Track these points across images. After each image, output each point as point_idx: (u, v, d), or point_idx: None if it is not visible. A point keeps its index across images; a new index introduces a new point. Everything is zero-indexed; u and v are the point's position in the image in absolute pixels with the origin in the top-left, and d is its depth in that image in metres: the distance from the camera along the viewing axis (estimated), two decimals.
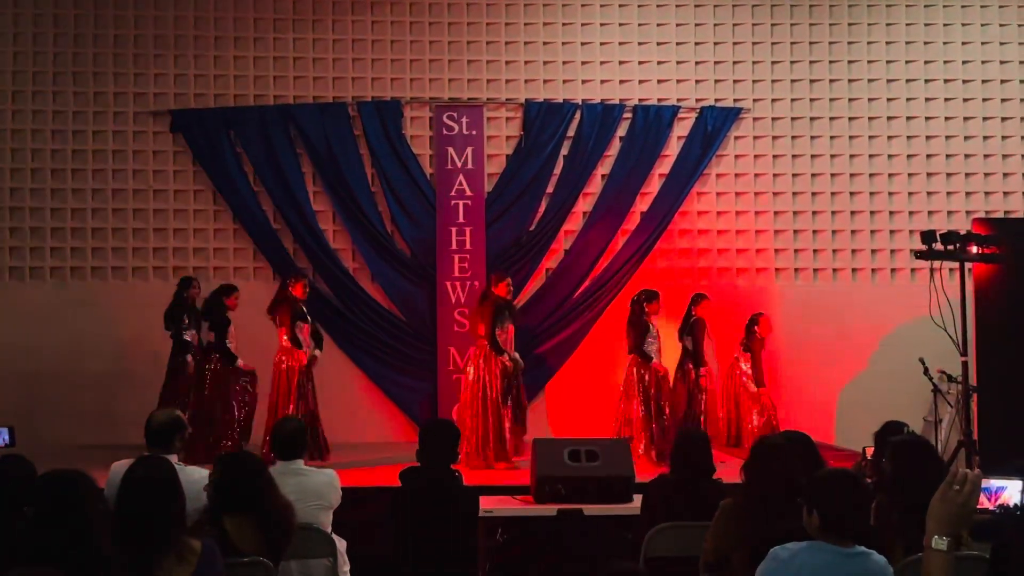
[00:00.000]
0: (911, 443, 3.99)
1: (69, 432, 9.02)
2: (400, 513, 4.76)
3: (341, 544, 4.93)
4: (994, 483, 2.24)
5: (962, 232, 7.38)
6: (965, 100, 10.42)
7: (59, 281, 9.89)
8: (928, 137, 10.40)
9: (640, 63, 10.32)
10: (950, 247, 6.96)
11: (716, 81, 10.37)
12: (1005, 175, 10.38)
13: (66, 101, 10.01)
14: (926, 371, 8.43)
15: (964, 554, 3.12)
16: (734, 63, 10.39)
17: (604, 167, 10.19)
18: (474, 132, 10.06)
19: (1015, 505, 2.20)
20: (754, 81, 10.40)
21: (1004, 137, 10.41)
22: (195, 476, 4.48)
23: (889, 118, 10.40)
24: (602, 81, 10.29)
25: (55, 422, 9.17)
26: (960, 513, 2.09)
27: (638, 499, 6.26)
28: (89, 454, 8.01)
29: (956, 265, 7.39)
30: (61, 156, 9.98)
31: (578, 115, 10.16)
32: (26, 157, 9.96)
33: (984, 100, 10.42)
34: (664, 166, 10.22)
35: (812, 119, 10.39)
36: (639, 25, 10.31)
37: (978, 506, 2.15)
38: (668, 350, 8.77)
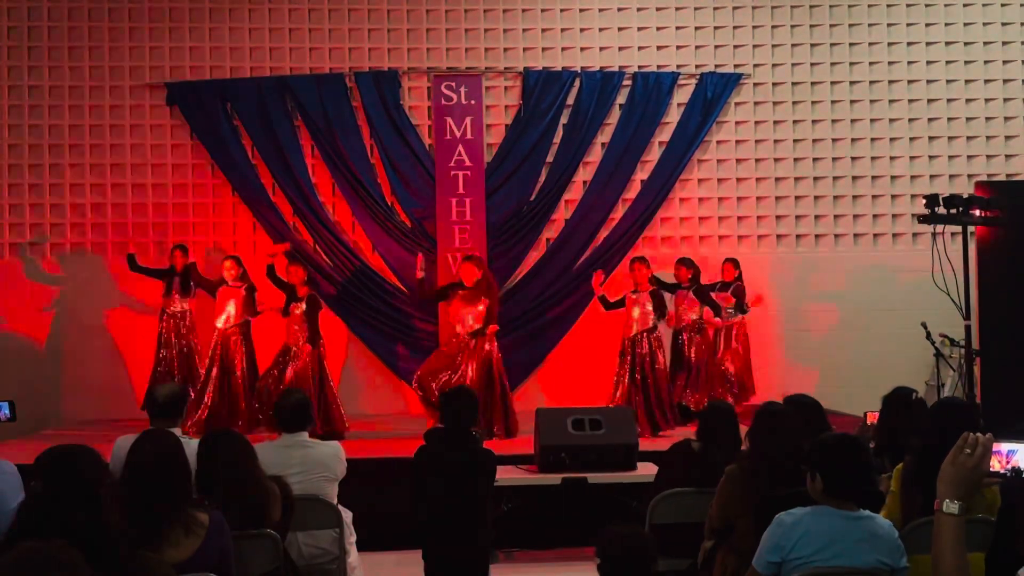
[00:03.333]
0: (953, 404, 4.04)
1: (72, 407, 9.05)
2: (421, 470, 4.77)
3: (347, 515, 4.95)
4: (1005, 446, 2.23)
5: (965, 196, 7.34)
6: (966, 63, 10.35)
7: (59, 256, 9.87)
8: (929, 100, 10.34)
9: (639, 29, 10.24)
10: (953, 211, 6.93)
11: (716, 47, 10.30)
12: (1007, 138, 10.34)
13: (62, 75, 9.95)
14: (928, 335, 8.44)
15: (972, 517, 3.13)
16: (734, 28, 10.31)
17: (604, 135, 10.14)
18: (473, 102, 9.99)
19: (1020, 469, 2.19)
20: (754, 46, 10.32)
21: (1006, 100, 10.36)
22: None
23: (890, 82, 10.34)
24: (601, 48, 10.21)
25: (57, 397, 9.20)
26: (971, 477, 2.09)
27: (642, 467, 6.32)
28: (96, 428, 8.08)
29: (958, 229, 7.36)
30: (58, 131, 9.93)
31: (577, 83, 10.10)
32: (23, 132, 9.91)
33: (986, 63, 10.36)
34: (664, 133, 10.17)
35: (813, 84, 10.33)
36: None
37: (990, 469, 2.14)
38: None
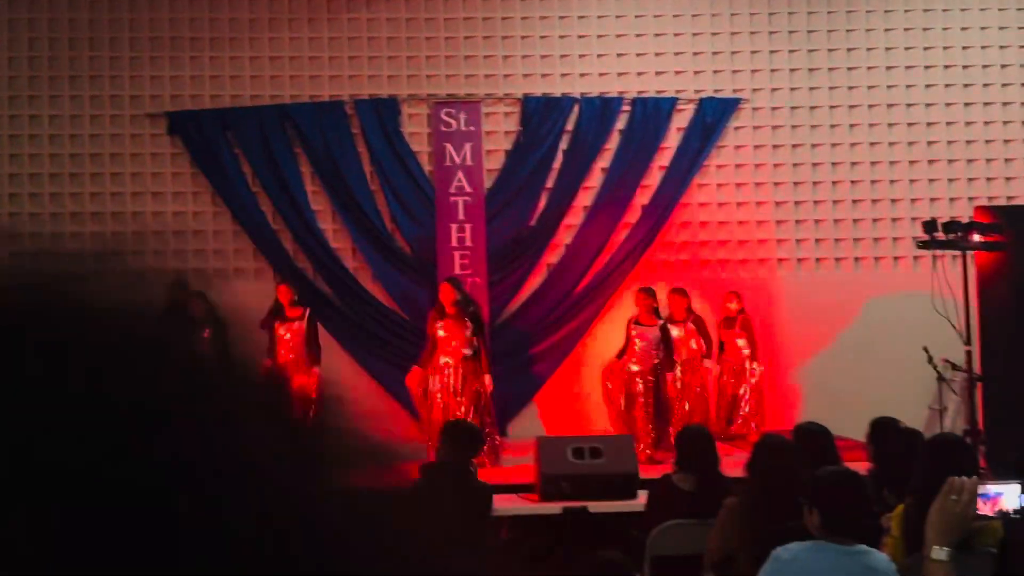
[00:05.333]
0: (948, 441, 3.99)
1: None
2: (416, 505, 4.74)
3: None
4: (991, 488, 2.21)
5: (964, 220, 7.34)
6: (965, 86, 10.36)
7: None
8: (929, 123, 10.34)
9: (638, 55, 10.27)
10: (952, 236, 6.92)
11: (714, 72, 10.32)
12: (1007, 160, 10.32)
13: (62, 105, 9.98)
14: (930, 360, 8.40)
15: (980, 551, 3.09)
16: (732, 53, 10.33)
17: (603, 160, 10.15)
18: (472, 128, 10.01)
19: (1014, 511, 2.17)
20: (752, 71, 10.34)
21: (1005, 122, 10.35)
22: None
23: (889, 105, 10.34)
24: (600, 74, 10.23)
25: None
26: (959, 523, 2.06)
27: (643, 495, 6.28)
28: None
29: (959, 253, 7.35)
30: (58, 160, 9.95)
31: (576, 109, 10.12)
32: (24, 162, 9.93)
33: (984, 85, 10.37)
34: (664, 158, 10.17)
35: (812, 108, 10.34)
36: (636, 17, 10.25)
37: (977, 512, 2.12)
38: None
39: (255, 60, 10.10)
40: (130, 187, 9.98)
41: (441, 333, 8.05)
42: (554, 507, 6.29)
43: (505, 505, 6.40)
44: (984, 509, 2.14)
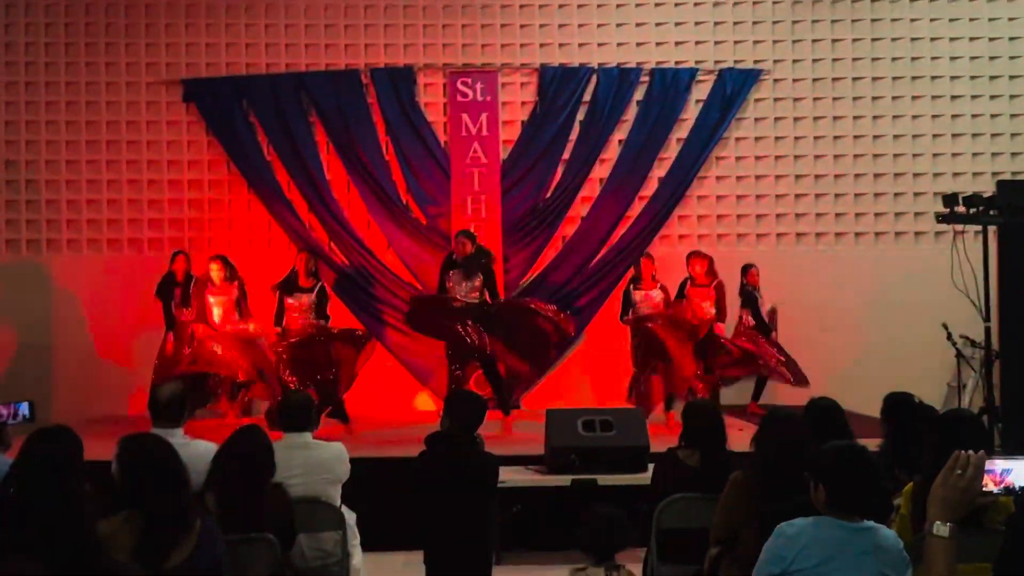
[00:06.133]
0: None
1: (86, 405, 9.06)
2: (423, 476, 4.73)
3: (351, 517, 4.91)
4: (999, 464, 2.14)
5: (987, 194, 7.20)
6: (991, 59, 10.16)
7: (75, 253, 9.90)
8: (953, 97, 10.16)
9: (657, 25, 10.13)
10: (973, 210, 6.79)
11: (735, 42, 10.17)
12: None
13: (78, 72, 9.96)
14: (949, 336, 8.30)
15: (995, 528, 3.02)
16: (753, 23, 10.18)
17: (621, 132, 10.04)
18: (488, 98, 9.92)
19: (1020, 488, 2.09)
20: (774, 42, 10.19)
21: None
22: (201, 450, 4.46)
23: (913, 78, 10.17)
24: (618, 44, 10.11)
25: (71, 395, 9.22)
26: (963, 499, 2.00)
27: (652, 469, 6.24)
28: (106, 427, 8.08)
29: (980, 228, 7.22)
30: (75, 128, 9.95)
31: (594, 79, 10.00)
32: (40, 129, 9.94)
33: (1011, 58, 10.17)
34: (682, 130, 10.05)
35: (834, 80, 10.18)
36: None
37: (983, 488, 2.05)
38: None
39: (271, 27, 10.04)
40: (146, 155, 9.98)
41: (450, 284, 8.10)
42: (563, 479, 6.26)
43: (514, 477, 6.38)
44: (991, 485, 2.06)
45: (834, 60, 10.17)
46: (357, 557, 4.92)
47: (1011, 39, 10.16)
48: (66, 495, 2.39)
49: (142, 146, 9.97)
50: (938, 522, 2.00)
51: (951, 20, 10.18)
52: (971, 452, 2.01)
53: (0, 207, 9.89)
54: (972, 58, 10.16)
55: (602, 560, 4.04)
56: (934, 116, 10.14)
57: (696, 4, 10.14)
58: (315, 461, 4.71)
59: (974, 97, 10.15)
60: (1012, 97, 10.15)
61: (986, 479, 2.05)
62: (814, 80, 10.17)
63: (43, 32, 9.97)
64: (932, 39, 10.17)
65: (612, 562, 4.04)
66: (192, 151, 10.01)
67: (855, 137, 10.15)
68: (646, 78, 10.03)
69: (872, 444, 4.00)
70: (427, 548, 4.73)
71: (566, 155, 9.97)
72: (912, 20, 10.18)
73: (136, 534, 3.01)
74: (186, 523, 3.13)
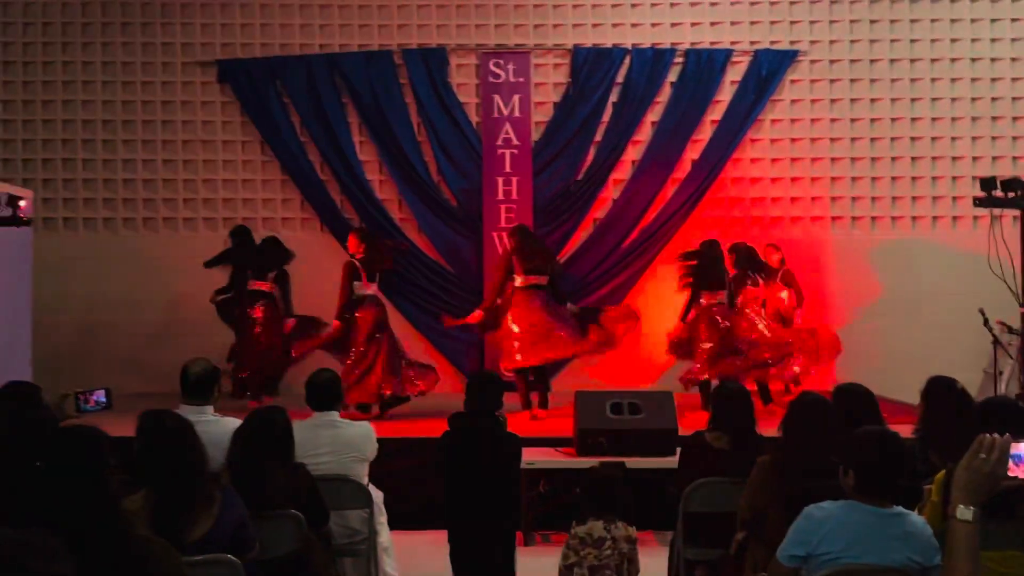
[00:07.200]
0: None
1: (124, 382, 9.15)
2: (446, 455, 4.75)
3: (378, 495, 4.93)
4: None
5: None
6: None
7: (111, 232, 10.01)
8: (993, 79, 9.99)
9: (692, 4, 10.04)
10: (1011, 194, 6.67)
11: (771, 23, 10.05)
12: None
13: (114, 52, 10.05)
14: (986, 322, 8.18)
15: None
16: (790, 4, 10.06)
17: (654, 114, 9.97)
18: (521, 79, 9.89)
19: None
20: (811, 22, 10.06)
21: None
22: (231, 428, 4.48)
23: (952, 60, 10.00)
24: (652, 24, 10.03)
25: (109, 372, 9.31)
26: (986, 483, 1.96)
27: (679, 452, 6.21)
28: (144, 403, 8.16)
29: (1018, 213, 7.10)
30: (111, 107, 10.05)
31: (627, 60, 9.93)
32: (77, 109, 10.04)
33: None
34: (716, 112, 9.96)
35: (872, 61, 10.04)
36: None
37: (1008, 473, 2.01)
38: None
39: (305, 8, 10.06)
40: (181, 135, 10.05)
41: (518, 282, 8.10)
42: (591, 462, 6.23)
43: (542, 458, 6.39)
44: (1018, 471, 2.02)
45: (871, 41, 10.03)
46: (384, 535, 4.94)
47: None
48: (94, 472, 2.41)
49: (177, 126, 10.04)
50: (961, 506, 1.97)
51: (993, 1, 9.99)
52: (996, 436, 1.97)
53: (37, 185, 9.99)
54: (1013, 40, 9.98)
55: (602, 514, 4.27)
56: (973, 99, 9.98)
57: None
58: (343, 440, 4.73)
59: (1014, 80, 9.97)
60: None
61: (1012, 465, 2.00)
62: (851, 61, 10.04)
63: (79, 12, 10.06)
64: (972, 20, 9.99)
65: (611, 516, 4.28)
66: (226, 131, 10.08)
67: (892, 119, 10.02)
68: (680, 59, 9.94)
69: (904, 430, 3.95)
70: (450, 526, 4.75)
71: (598, 137, 9.93)
72: (952, 1, 10.01)
73: (151, 510, 3.04)
74: (202, 499, 3.15)
